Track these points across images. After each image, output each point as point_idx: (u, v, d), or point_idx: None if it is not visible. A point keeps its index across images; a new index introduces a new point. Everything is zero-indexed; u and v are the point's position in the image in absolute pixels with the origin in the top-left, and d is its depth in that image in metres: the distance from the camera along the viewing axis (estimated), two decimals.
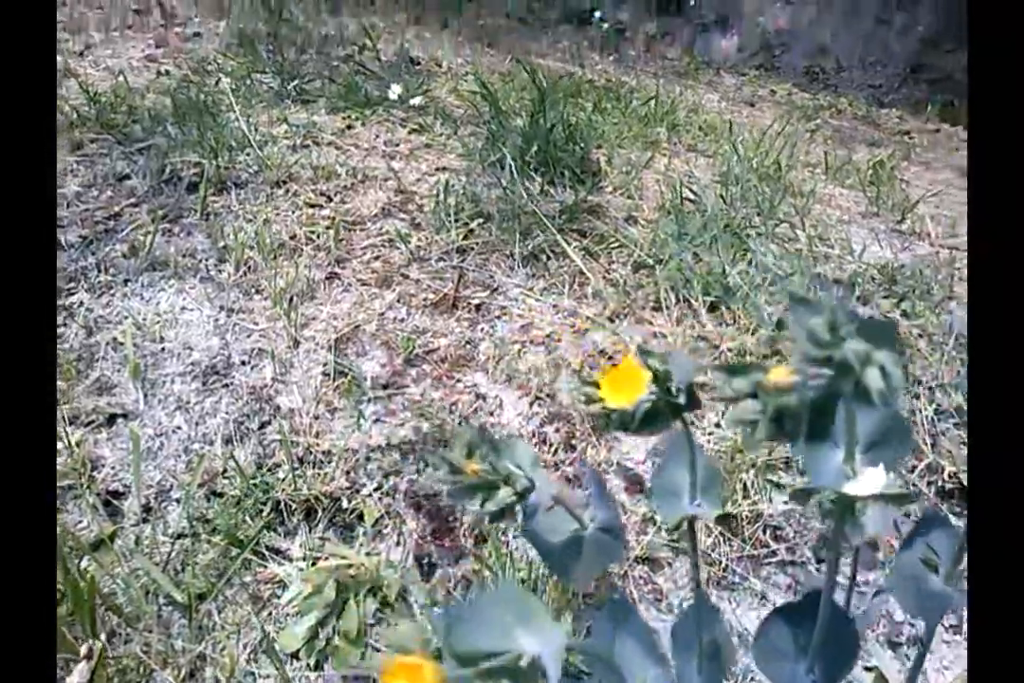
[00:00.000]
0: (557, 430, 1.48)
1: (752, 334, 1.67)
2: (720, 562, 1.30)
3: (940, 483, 1.44)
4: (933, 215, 2.39)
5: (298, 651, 1.17)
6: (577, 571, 0.53)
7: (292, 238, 1.88)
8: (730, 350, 1.64)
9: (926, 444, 1.48)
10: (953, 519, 1.38)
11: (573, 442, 1.46)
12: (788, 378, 0.39)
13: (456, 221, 1.91)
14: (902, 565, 0.52)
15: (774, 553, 1.32)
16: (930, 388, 1.59)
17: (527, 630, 0.38)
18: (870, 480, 0.41)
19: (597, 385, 0.52)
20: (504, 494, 0.47)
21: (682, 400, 0.52)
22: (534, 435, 1.46)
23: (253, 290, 1.77)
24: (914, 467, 1.44)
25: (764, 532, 1.34)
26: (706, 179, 2.37)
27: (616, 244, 1.90)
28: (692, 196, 2.11)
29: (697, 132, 2.94)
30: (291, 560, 1.28)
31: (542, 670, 0.37)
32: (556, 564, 0.54)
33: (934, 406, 1.55)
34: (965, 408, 1.55)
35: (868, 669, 1.17)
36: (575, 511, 0.53)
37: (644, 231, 1.96)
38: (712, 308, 1.76)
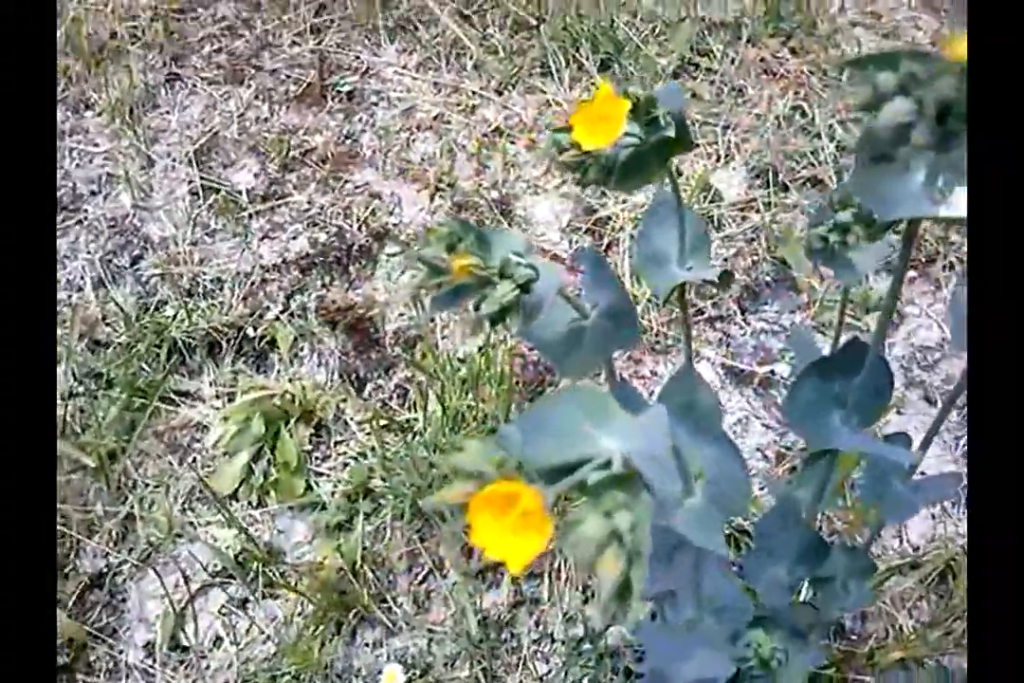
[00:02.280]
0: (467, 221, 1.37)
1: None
2: (652, 328, 1.27)
3: None
4: None
5: (235, 492, 1.11)
6: (576, 363, 0.46)
7: (113, 37, 1.59)
8: None
9: (831, 179, 1.43)
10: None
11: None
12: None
13: None
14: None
15: (701, 311, 1.30)
16: (829, 125, 1.53)
17: (607, 431, 0.31)
18: (960, 201, 0.34)
19: (568, 129, 0.42)
20: (504, 290, 0.37)
21: (671, 133, 0.42)
22: None
23: (82, 106, 1.51)
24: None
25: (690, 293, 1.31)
26: None
27: (488, 3, 1.68)
28: None
29: None
30: (204, 401, 1.19)
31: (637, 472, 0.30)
32: (558, 359, 0.46)
33: (835, 142, 1.49)
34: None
35: None
36: (572, 299, 0.44)
37: None
38: (604, 67, 1.60)
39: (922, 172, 0.32)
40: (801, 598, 0.84)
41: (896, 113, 0.30)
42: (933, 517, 1.14)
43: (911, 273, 1.36)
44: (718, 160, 1.44)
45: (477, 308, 0.38)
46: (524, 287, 0.38)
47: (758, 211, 1.36)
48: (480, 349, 1.24)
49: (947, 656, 1.01)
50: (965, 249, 1.40)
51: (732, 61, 1.58)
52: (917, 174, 0.41)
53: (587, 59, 1.58)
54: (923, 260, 1.37)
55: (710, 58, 1.60)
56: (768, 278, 1.32)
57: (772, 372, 1.23)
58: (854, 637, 1.02)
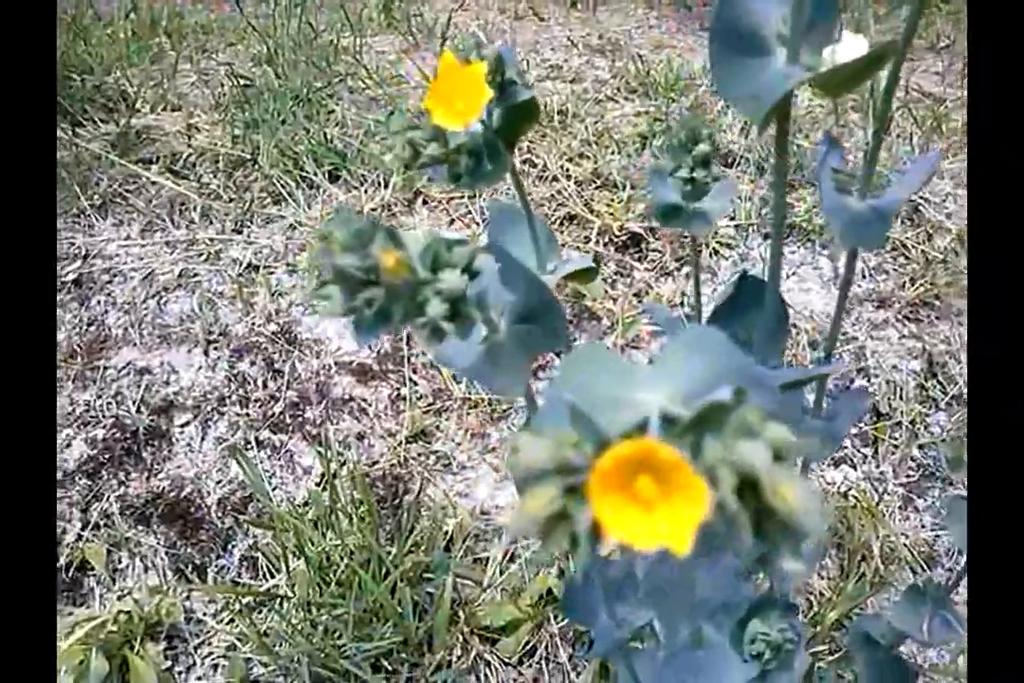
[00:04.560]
0: (253, 363, 1.25)
1: (386, 187, 1.52)
2: None
3: (613, 240, 1.42)
4: None
5: None
6: (506, 383, 0.35)
7: None
8: (374, 209, 1.49)
9: (584, 211, 1.45)
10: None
11: (279, 366, 1.25)
12: None
13: None
14: (825, 198, 0.41)
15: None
16: (561, 166, 1.56)
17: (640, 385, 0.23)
18: (853, 45, 0.28)
19: (419, 127, 0.35)
20: (451, 279, 0.28)
21: (529, 94, 0.36)
22: (234, 380, 1.23)
23: None
24: (587, 237, 1.40)
25: None
26: None
27: (192, 155, 1.63)
28: (246, 81, 1.86)
29: None
30: None
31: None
32: (486, 384, 0.36)
33: (572, 179, 1.52)
34: None
35: None
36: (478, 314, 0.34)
37: (212, 134, 1.69)
38: (333, 177, 1.57)
39: (781, 52, 0.26)
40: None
41: None
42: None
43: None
44: (478, 225, 1.42)
45: (415, 315, 0.28)
46: (471, 270, 0.29)
47: None
48: (320, 483, 1.11)
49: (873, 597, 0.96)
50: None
51: None
52: (778, 56, 0.35)
53: (315, 174, 1.55)
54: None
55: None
56: (569, 314, 1.28)
57: None
58: None
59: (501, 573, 1.01)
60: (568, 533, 0.21)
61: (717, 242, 1.41)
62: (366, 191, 1.53)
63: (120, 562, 1.05)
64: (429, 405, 1.19)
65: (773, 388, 0.26)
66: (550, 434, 0.22)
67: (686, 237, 1.42)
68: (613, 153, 1.58)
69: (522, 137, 0.40)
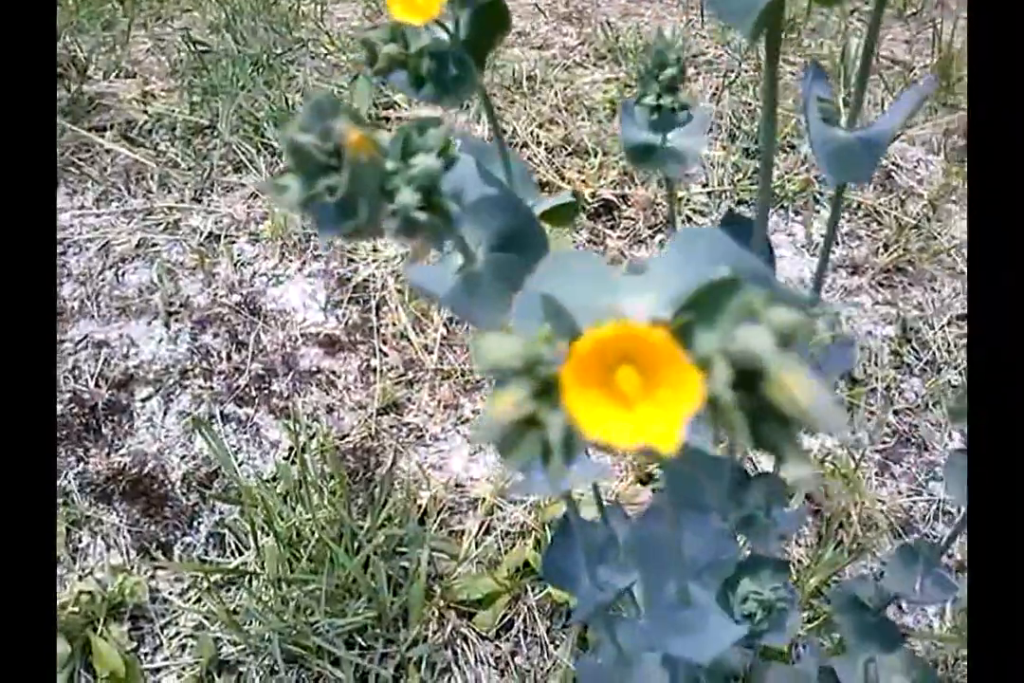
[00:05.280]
0: (216, 335, 1.21)
1: None
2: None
3: (585, 207, 1.39)
4: None
5: None
6: (485, 315, 0.32)
7: None
8: None
9: (555, 178, 1.42)
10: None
11: (243, 338, 1.21)
12: None
13: None
14: (812, 129, 0.38)
15: None
16: (531, 132, 1.52)
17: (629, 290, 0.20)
18: None
19: (377, 27, 0.31)
20: (429, 161, 0.25)
21: None
22: (196, 353, 1.19)
23: None
24: None
25: None
26: None
27: (148, 122, 1.56)
28: (203, 46, 1.79)
29: None
30: None
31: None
32: (465, 316, 0.33)
33: (542, 146, 1.48)
34: None
35: None
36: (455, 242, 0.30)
37: (169, 101, 1.63)
38: None
39: None
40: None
41: None
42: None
43: None
44: None
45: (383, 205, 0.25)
46: (447, 155, 0.26)
47: None
48: (288, 457, 1.08)
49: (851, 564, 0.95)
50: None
51: (417, 104, 1.55)
52: None
53: (276, 141, 1.50)
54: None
55: (396, 108, 1.57)
56: None
57: None
58: None
59: (477, 546, 0.99)
60: (539, 441, 0.18)
61: (690, 210, 1.39)
62: None
63: (80, 541, 1.02)
64: (400, 376, 1.16)
65: (780, 286, 0.23)
66: (521, 332, 0.19)
67: (659, 205, 1.40)
68: (583, 120, 1.55)
69: (491, 50, 0.37)
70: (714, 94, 1.63)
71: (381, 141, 0.25)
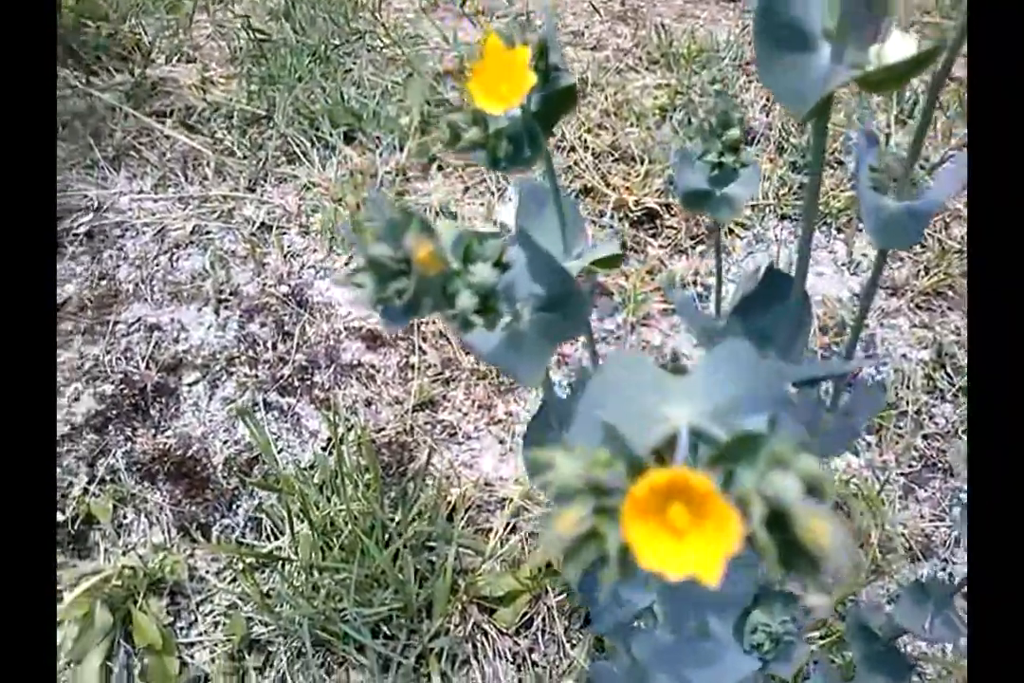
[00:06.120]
0: (263, 324, 1.25)
1: (402, 151, 1.50)
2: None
3: (628, 215, 1.41)
4: None
5: None
6: (527, 371, 0.35)
7: None
8: (389, 173, 1.47)
9: (600, 184, 1.43)
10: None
11: (289, 329, 1.25)
12: None
13: None
14: (862, 197, 0.41)
15: None
16: (579, 137, 1.54)
17: (671, 396, 0.24)
18: (901, 44, 0.27)
19: (460, 108, 0.35)
20: (482, 272, 0.28)
21: (572, 79, 0.35)
22: (243, 341, 1.23)
23: None
24: (601, 212, 1.39)
25: None
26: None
27: (207, 110, 1.61)
28: (262, 35, 1.82)
29: None
30: None
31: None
32: (508, 370, 0.36)
33: (589, 151, 1.50)
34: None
35: None
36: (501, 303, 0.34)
37: (228, 89, 1.66)
38: (348, 139, 1.56)
39: (826, 49, 0.25)
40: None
41: None
42: None
43: None
44: (493, 194, 1.41)
45: (445, 306, 0.28)
46: (502, 264, 0.29)
47: None
48: (326, 448, 1.11)
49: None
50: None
51: (469, 103, 1.57)
52: (822, 52, 0.34)
53: (330, 135, 1.53)
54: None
55: (448, 106, 1.59)
56: None
57: None
58: None
59: (502, 544, 1.02)
60: (596, 552, 0.21)
61: (734, 223, 1.40)
62: (381, 154, 1.51)
63: (125, 518, 1.06)
64: (437, 374, 1.20)
65: (798, 407, 0.26)
66: (582, 453, 0.22)
67: (702, 215, 1.41)
68: (632, 125, 1.56)
69: (558, 122, 0.39)
70: (765, 105, 1.64)
71: (443, 250, 0.28)
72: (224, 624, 0.98)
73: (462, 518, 1.04)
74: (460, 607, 0.97)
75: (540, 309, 0.35)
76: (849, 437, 0.55)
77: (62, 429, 1.14)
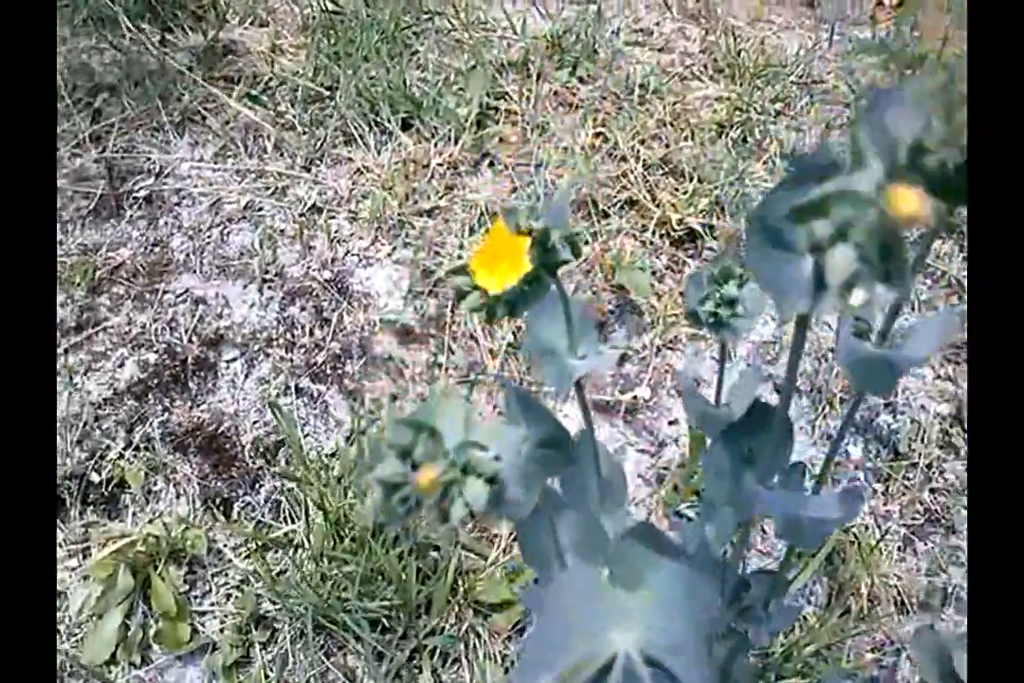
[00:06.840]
0: (303, 309, 1.30)
1: (456, 143, 1.52)
2: None
3: (670, 233, 1.42)
4: None
5: (113, 656, 1.00)
6: (515, 496, 0.41)
7: None
8: (441, 165, 1.49)
9: (645, 199, 1.44)
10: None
11: (328, 315, 1.29)
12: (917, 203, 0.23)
13: (76, 103, 1.54)
14: (842, 339, 0.44)
15: None
16: (631, 146, 1.54)
17: (615, 621, 0.29)
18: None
19: (463, 271, 0.40)
20: (475, 490, 0.33)
21: (569, 255, 0.41)
22: (283, 323, 1.28)
23: None
24: (644, 227, 1.40)
25: None
26: None
27: (274, 80, 1.63)
28: (335, 6, 1.83)
29: None
30: (58, 564, 1.06)
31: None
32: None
33: (640, 162, 1.50)
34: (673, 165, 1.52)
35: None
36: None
37: (296, 60, 1.68)
38: (406, 125, 1.57)
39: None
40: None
41: (842, 264, 0.26)
42: None
43: None
44: (538, 199, 1.42)
45: (445, 516, 0.33)
46: (493, 480, 0.34)
47: (587, 242, 1.35)
48: (348, 439, 1.16)
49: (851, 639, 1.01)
50: None
51: (528, 100, 1.58)
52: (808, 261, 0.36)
53: (388, 120, 1.55)
54: None
55: (507, 99, 1.60)
56: (611, 306, 1.30)
57: (635, 397, 1.21)
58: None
59: (505, 553, 1.07)
60: None
61: None
62: (435, 144, 1.53)
63: (155, 485, 1.13)
64: (463, 376, 1.23)
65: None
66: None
67: (743, 240, 1.42)
68: (686, 139, 1.56)
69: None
70: (827, 125, 1.63)
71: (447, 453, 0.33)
72: (236, 597, 1.04)
73: (470, 523, 1.09)
74: (457, 608, 1.02)
75: (537, 446, 0.41)
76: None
77: (105, 392, 1.19)
